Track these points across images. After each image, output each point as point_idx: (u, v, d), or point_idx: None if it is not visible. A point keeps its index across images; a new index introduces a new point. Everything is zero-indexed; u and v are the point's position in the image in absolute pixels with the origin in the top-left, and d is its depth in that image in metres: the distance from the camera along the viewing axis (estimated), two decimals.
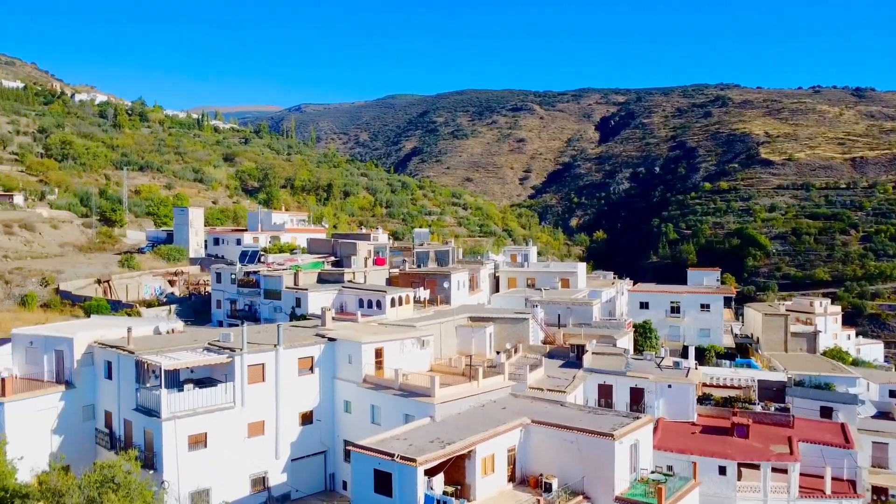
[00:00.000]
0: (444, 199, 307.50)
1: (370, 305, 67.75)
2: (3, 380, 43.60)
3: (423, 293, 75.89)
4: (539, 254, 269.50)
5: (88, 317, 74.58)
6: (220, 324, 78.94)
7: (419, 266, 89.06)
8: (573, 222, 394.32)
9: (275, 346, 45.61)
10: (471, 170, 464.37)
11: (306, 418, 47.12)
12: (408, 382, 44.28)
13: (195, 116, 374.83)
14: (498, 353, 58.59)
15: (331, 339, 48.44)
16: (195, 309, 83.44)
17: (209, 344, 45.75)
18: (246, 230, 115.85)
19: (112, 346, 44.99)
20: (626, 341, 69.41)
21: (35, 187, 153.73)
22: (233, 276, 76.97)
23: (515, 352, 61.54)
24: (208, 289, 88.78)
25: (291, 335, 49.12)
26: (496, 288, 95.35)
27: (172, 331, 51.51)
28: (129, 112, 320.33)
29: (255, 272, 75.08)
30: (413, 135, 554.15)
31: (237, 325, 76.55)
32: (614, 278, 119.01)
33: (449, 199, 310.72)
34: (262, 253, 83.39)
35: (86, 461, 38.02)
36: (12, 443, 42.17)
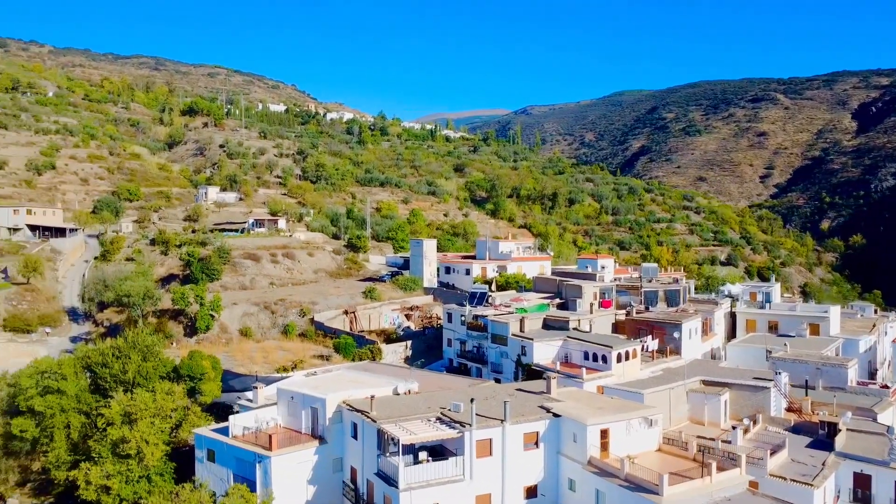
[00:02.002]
0: (674, 202, 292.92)
1: (595, 359, 67.00)
2: (270, 436, 50.05)
3: (651, 343, 73.33)
4: (783, 264, 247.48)
5: (338, 352, 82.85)
6: (451, 362, 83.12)
7: (647, 307, 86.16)
8: (824, 225, 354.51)
9: (501, 421, 47.07)
10: (704, 168, 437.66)
11: (531, 492, 48.07)
12: (634, 474, 43.20)
13: (429, 127, 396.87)
14: (734, 427, 54.80)
15: (555, 415, 48.78)
16: (428, 344, 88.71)
17: (441, 413, 48.45)
18: (474, 258, 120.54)
19: (358, 410, 49.49)
20: (890, 415, 61.11)
21: (294, 209, 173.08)
22: (462, 318, 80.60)
23: (754, 424, 57.21)
24: (440, 321, 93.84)
25: (517, 404, 50.27)
26: (732, 330, 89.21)
27: (409, 392, 55.34)
28: (372, 128, 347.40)
29: (482, 316, 77.86)
30: (641, 133, 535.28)
31: (466, 365, 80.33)
32: (877, 315, 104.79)
33: (679, 202, 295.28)
34: (489, 294, 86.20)
35: None
36: (275, 492, 48.51)
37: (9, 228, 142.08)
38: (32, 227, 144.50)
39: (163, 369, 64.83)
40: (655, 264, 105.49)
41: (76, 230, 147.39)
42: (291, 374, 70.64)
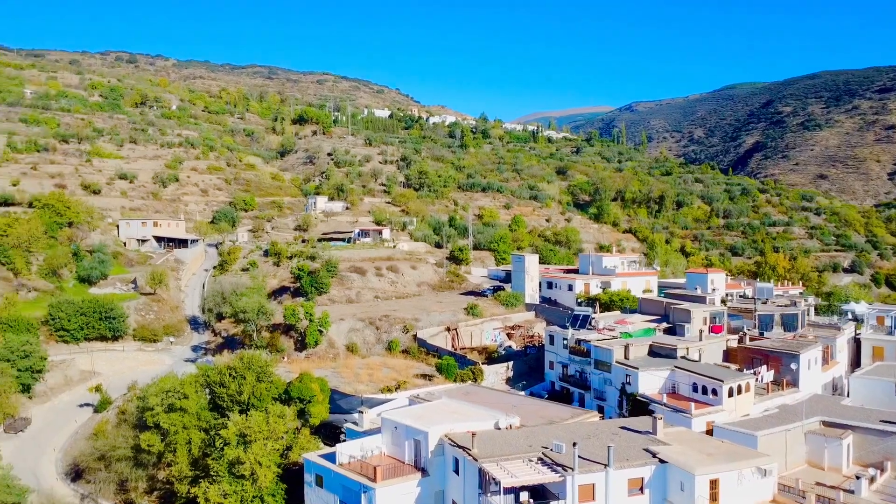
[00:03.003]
0: (791, 203, 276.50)
1: (705, 392, 64.43)
2: (375, 467, 51.38)
3: (766, 375, 69.81)
4: None
5: (440, 373, 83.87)
6: (553, 385, 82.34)
7: (762, 332, 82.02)
8: None
9: (605, 465, 46.19)
10: (825, 166, 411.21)
11: None
12: None
13: (531, 129, 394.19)
14: (858, 476, 51.24)
15: (662, 461, 47.35)
16: (529, 365, 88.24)
17: (543, 454, 48.11)
18: (577, 272, 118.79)
19: (460, 446, 49.96)
20: None
21: (398, 218, 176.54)
22: (564, 342, 79.63)
23: (881, 473, 53.32)
24: (542, 340, 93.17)
25: (622, 447, 49.16)
26: (857, 358, 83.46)
27: (510, 426, 55.27)
28: (474, 130, 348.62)
29: (585, 340, 76.60)
30: (755, 128, 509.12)
31: (569, 389, 79.32)
32: None
33: (797, 203, 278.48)
34: (592, 317, 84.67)
35: None
36: None
37: (138, 240, 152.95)
38: (158, 239, 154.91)
39: (275, 391, 67.88)
40: (771, 284, 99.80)
41: (197, 241, 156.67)
42: (395, 397, 72.22)
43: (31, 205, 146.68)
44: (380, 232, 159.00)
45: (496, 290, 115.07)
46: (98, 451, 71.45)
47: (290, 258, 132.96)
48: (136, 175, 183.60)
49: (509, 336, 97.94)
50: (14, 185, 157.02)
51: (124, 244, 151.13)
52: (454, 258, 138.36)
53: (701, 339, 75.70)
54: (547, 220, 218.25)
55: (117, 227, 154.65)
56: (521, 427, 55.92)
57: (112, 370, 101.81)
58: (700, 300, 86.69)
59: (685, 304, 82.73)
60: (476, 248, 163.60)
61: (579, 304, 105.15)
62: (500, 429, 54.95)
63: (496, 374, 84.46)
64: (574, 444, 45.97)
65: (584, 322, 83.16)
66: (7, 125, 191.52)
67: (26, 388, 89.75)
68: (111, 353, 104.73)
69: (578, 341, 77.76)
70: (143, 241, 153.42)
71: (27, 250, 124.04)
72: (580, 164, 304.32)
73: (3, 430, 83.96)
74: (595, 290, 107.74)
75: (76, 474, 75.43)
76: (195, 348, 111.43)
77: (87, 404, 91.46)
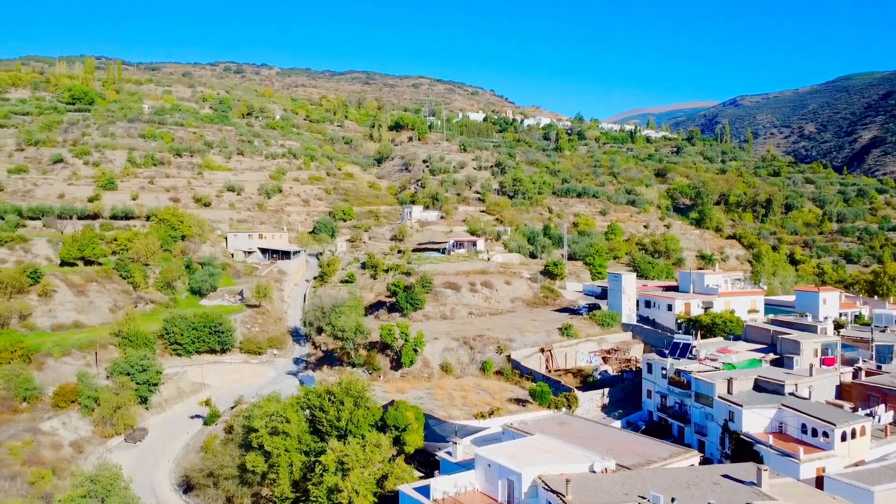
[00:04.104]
0: None
1: (815, 434, 61.10)
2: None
3: (884, 416, 65.41)
4: None
5: (533, 399, 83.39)
6: (650, 415, 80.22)
7: (879, 365, 76.83)
8: None
9: None
10: None
11: None
12: None
13: (628, 128, 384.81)
14: None
15: None
16: (626, 391, 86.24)
17: None
18: (677, 289, 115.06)
19: (553, 491, 49.54)
20: None
21: (492, 228, 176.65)
22: (663, 372, 77.38)
23: None
24: (639, 364, 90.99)
25: (723, 499, 47.31)
26: None
27: (605, 470, 54.28)
28: (569, 132, 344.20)
29: (686, 371, 74.14)
30: (872, 122, 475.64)
31: (667, 421, 77.05)
32: None
33: None
34: (693, 345, 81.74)
35: None
36: None
37: (245, 251, 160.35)
38: (263, 250, 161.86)
39: (371, 418, 69.53)
40: (892, 311, 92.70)
41: (298, 252, 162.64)
42: (488, 426, 72.54)
43: (148, 218, 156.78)
44: (474, 243, 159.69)
45: (591, 308, 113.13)
46: (207, 468, 75.50)
47: (387, 271, 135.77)
48: (243, 187, 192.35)
49: (605, 360, 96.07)
50: (133, 199, 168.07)
51: (232, 255, 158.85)
52: (548, 272, 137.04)
53: (811, 374, 71.73)
54: (645, 227, 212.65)
55: (225, 239, 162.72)
56: (616, 471, 54.84)
57: (220, 382, 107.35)
58: (811, 329, 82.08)
59: (794, 334, 78.60)
60: (571, 258, 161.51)
61: (679, 325, 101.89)
62: (595, 472, 54.11)
63: (591, 401, 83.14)
64: (672, 500, 44.65)
65: (684, 351, 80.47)
66: (128, 141, 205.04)
67: (144, 400, 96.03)
68: (220, 365, 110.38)
69: (678, 372, 75.40)
70: (249, 252, 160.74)
71: (145, 264, 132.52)
72: (680, 165, 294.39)
73: (123, 439, 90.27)
74: (696, 311, 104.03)
75: (188, 487, 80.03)
76: (297, 361, 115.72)
77: (198, 416, 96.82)
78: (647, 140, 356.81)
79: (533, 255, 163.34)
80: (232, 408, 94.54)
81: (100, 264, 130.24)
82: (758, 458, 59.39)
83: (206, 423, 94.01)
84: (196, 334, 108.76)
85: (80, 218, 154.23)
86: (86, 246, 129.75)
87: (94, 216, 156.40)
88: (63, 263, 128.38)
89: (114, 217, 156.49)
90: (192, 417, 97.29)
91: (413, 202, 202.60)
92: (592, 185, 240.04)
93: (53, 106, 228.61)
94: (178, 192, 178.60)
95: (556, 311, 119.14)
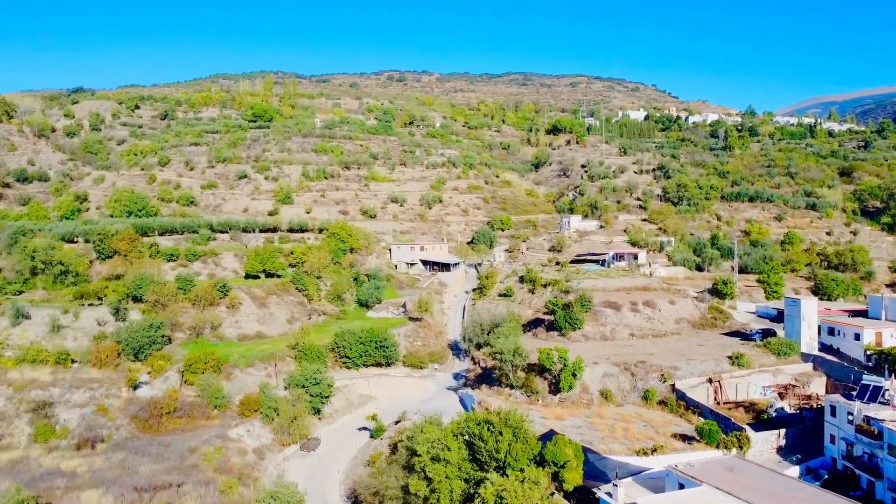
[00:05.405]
0: None
1: None
2: None
3: None
4: None
5: (700, 437, 79.45)
6: (833, 462, 73.64)
7: None
8: None
9: None
10: None
11: None
12: None
13: (807, 121, 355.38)
14: None
15: None
16: (805, 432, 79.61)
17: None
18: (866, 315, 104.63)
19: None
20: None
21: (654, 239, 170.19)
22: (850, 417, 70.66)
23: None
24: (821, 402, 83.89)
25: None
26: None
27: None
28: (739, 128, 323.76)
29: (876, 419, 67.20)
30: None
31: (853, 472, 70.41)
32: None
33: None
34: (885, 388, 73.78)
35: None
36: None
37: (407, 263, 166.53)
38: (424, 262, 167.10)
39: (530, 452, 69.64)
40: None
41: (458, 263, 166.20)
42: (651, 467, 70.20)
43: (320, 231, 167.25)
44: (635, 255, 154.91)
45: (766, 333, 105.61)
46: (373, 486, 79.35)
47: (545, 286, 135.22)
48: (406, 198, 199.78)
49: (781, 395, 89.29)
50: (308, 213, 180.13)
51: (395, 266, 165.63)
52: (717, 291, 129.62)
53: None
54: (828, 234, 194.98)
55: (389, 250, 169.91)
56: None
57: (385, 395, 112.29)
58: None
59: None
60: (742, 270, 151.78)
61: (868, 358, 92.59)
62: None
63: (765, 443, 77.69)
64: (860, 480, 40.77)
65: (874, 394, 72.84)
66: (302, 155, 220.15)
67: (316, 411, 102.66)
68: (385, 378, 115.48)
69: (867, 419, 68.54)
70: (412, 264, 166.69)
71: (318, 277, 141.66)
72: (869, 162, 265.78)
73: (299, 448, 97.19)
74: (889, 342, 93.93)
75: (355, 500, 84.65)
76: (456, 376, 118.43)
77: (365, 428, 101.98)
78: (830, 134, 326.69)
79: (699, 268, 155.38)
80: (396, 422, 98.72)
81: (279, 276, 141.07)
82: None
83: (372, 437, 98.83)
84: (363, 348, 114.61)
85: (261, 231, 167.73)
86: (267, 260, 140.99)
87: (274, 229, 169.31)
88: (247, 276, 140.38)
89: (290, 230, 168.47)
90: (359, 429, 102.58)
91: (571, 210, 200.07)
92: (766, 187, 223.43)
93: (238, 124, 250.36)
94: (346, 205, 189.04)
95: (725, 334, 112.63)
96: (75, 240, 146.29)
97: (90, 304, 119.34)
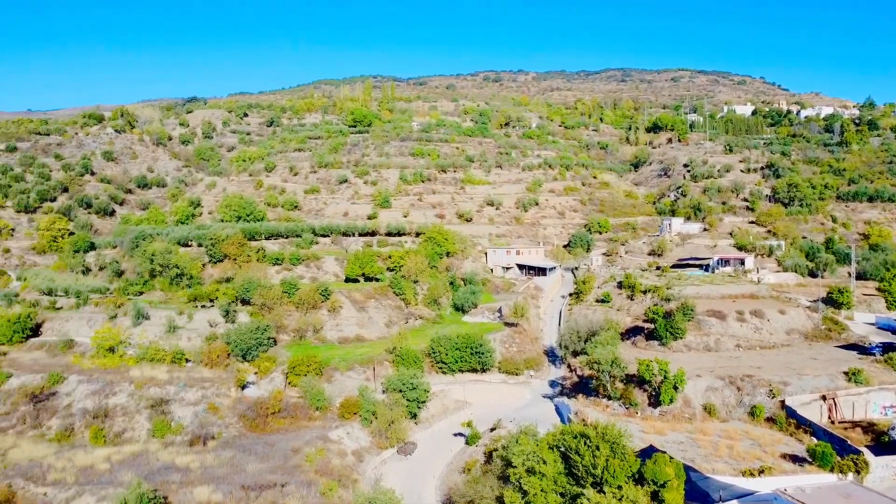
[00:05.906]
0: None
1: None
2: None
3: None
4: None
5: (813, 459, 75.20)
6: None
7: None
8: None
9: None
10: None
11: None
12: None
13: None
14: None
15: None
16: None
17: None
18: None
19: None
20: None
21: (762, 241, 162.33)
22: None
23: None
24: None
25: None
26: None
27: None
28: (857, 122, 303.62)
29: None
30: None
31: None
32: None
33: None
34: None
35: None
36: None
37: (503, 267, 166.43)
38: (520, 266, 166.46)
39: (628, 469, 67.99)
40: None
41: (554, 267, 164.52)
42: (758, 490, 67.02)
43: (417, 234, 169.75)
44: (741, 261, 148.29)
45: (887, 348, 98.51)
46: (468, 495, 79.83)
47: (645, 293, 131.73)
48: (502, 201, 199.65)
49: None
50: (405, 217, 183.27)
51: (491, 270, 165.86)
52: (831, 300, 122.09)
53: None
54: None
55: (485, 254, 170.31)
56: None
57: (480, 401, 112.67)
58: None
59: None
60: (860, 277, 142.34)
61: None
62: None
63: (886, 468, 72.51)
64: None
65: None
66: (399, 159, 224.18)
67: (413, 415, 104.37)
68: (480, 384, 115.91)
69: None
70: (507, 268, 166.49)
71: (414, 281, 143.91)
72: None
73: (396, 451, 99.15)
74: None
75: None
76: (552, 383, 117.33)
77: (460, 434, 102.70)
78: None
79: (812, 274, 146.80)
80: (492, 430, 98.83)
81: (377, 280, 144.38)
82: None
83: (467, 443, 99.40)
84: (459, 354, 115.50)
85: (360, 235, 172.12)
86: (366, 264, 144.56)
87: (372, 233, 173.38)
88: (347, 280, 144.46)
89: (388, 234, 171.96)
90: (454, 435, 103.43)
91: (673, 212, 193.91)
92: (888, 185, 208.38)
93: (339, 129, 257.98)
94: (442, 208, 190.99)
95: (841, 347, 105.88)
96: (189, 243, 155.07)
97: (203, 306, 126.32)
